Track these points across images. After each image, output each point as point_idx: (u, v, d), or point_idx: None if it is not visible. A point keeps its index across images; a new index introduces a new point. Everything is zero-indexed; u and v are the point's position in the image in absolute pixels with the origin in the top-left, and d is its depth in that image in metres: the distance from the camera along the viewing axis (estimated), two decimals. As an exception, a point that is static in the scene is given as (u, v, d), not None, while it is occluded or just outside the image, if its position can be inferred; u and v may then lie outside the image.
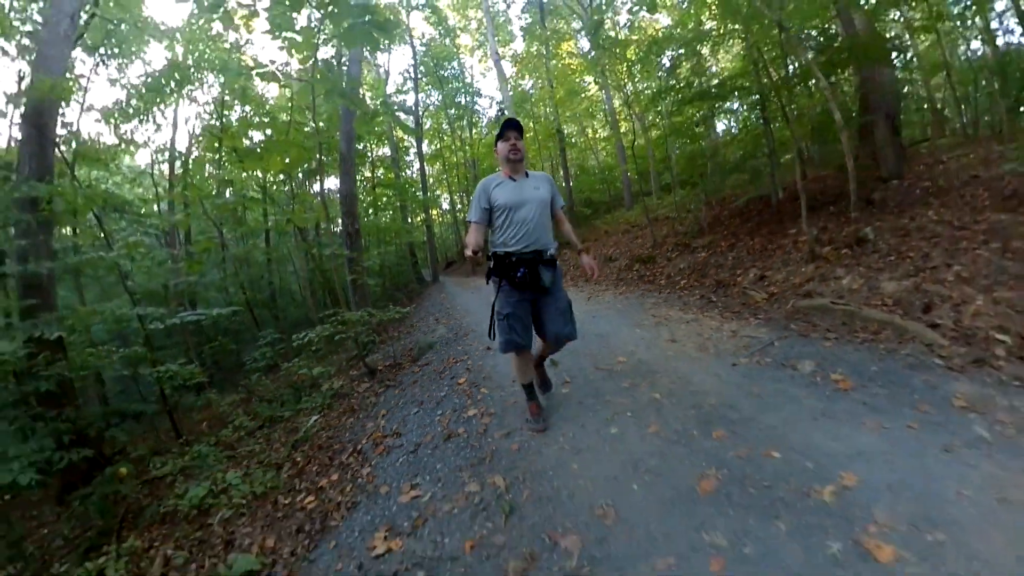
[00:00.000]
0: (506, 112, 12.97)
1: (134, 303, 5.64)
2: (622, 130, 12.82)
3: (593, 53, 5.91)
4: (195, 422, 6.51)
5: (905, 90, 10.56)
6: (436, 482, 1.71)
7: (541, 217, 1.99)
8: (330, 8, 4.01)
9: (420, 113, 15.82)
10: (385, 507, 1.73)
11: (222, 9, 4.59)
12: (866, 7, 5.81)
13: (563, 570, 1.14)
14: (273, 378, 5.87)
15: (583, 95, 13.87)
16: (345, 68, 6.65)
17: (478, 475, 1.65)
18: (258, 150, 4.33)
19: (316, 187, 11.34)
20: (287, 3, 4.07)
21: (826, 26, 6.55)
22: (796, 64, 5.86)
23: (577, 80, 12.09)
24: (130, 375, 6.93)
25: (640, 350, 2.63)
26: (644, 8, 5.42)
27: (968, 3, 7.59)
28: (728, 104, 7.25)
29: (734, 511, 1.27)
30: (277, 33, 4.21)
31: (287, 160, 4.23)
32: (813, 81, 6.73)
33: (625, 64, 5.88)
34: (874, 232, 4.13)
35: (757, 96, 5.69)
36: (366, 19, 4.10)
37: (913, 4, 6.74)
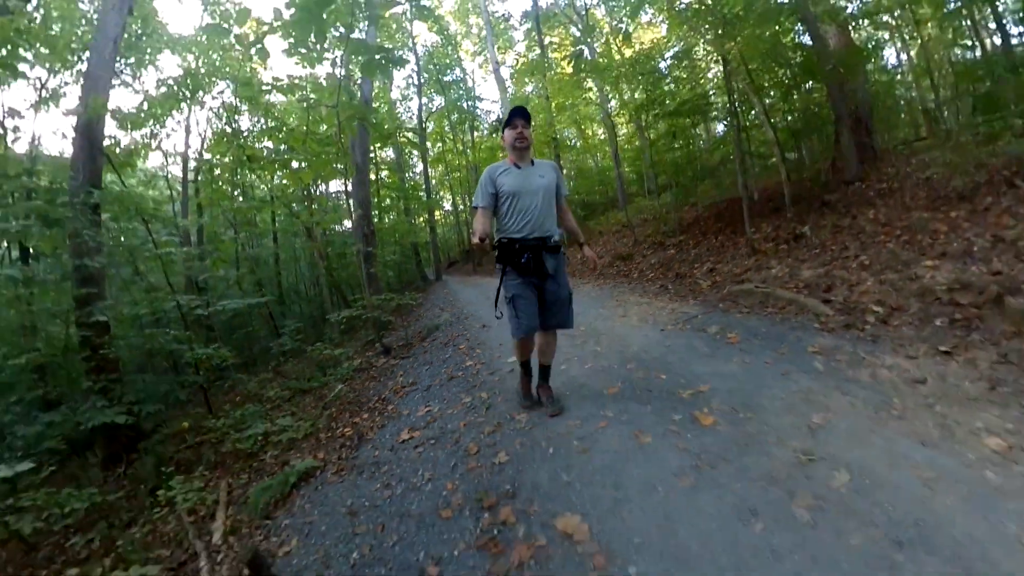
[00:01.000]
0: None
1: (174, 293, 6.57)
2: (622, 131, 13.64)
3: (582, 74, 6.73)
4: (222, 403, 7.38)
5: (900, 92, 11.20)
6: (442, 401, 2.56)
7: (546, 205, 2.05)
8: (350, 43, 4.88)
9: (424, 118, 16.72)
10: (407, 421, 2.58)
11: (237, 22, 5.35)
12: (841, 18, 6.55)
13: (515, 429, 1.97)
14: (297, 361, 6.76)
15: (582, 97, 14.72)
16: (358, 85, 7.52)
17: (471, 393, 2.51)
18: (299, 164, 5.19)
19: (321, 190, 12.30)
20: (312, 41, 4.92)
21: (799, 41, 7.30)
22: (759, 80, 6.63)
23: (572, 89, 12.93)
24: (161, 360, 7.82)
25: (597, 322, 3.46)
26: (620, 38, 6.25)
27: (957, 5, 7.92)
28: (713, 113, 8.07)
29: (623, 402, 2.10)
30: (293, 51, 5.05)
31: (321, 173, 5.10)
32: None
33: (609, 81, 6.71)
34: (811, 230, 4.94)
35: (729, 108, 6.50)
36: (381, 56, 4.97)
37: (902, 9, 7.32)
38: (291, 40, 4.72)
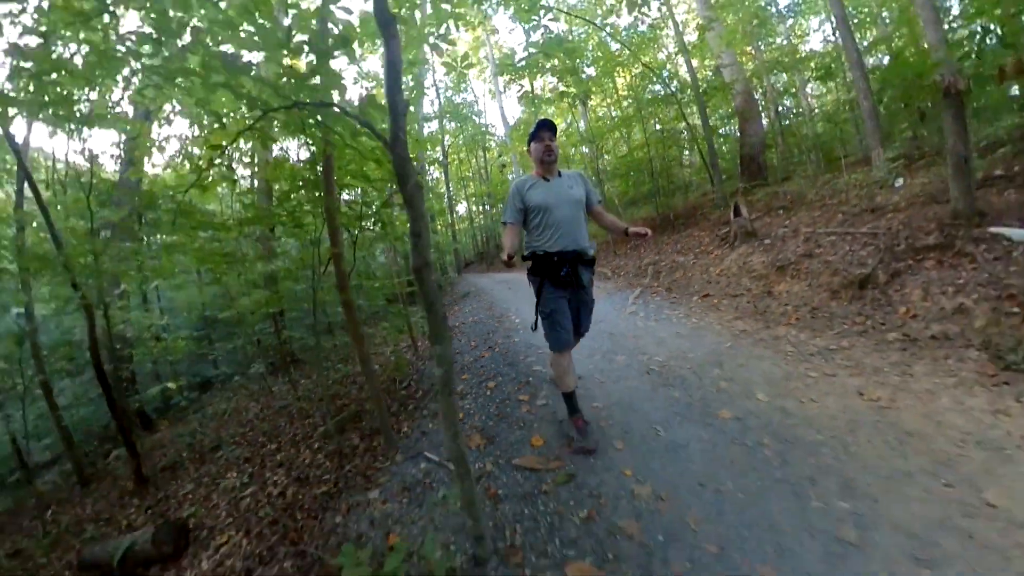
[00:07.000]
0: (507, 142, 20.67)
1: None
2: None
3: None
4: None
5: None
6: (476, 305, 9.48)
7: (576, 217, 2.32)
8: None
9: (446, 145, 23.79)
10: (463, 312, 9.51)
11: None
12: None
13: (500, 299, 8.86)
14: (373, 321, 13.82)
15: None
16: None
17: (486, 305, 9.38)
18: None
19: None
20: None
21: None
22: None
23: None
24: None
25: (511, 281, 10.27)
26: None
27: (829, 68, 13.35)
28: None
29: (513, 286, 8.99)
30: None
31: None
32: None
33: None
34: (641, 242, 11.63)
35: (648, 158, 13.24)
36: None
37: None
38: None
